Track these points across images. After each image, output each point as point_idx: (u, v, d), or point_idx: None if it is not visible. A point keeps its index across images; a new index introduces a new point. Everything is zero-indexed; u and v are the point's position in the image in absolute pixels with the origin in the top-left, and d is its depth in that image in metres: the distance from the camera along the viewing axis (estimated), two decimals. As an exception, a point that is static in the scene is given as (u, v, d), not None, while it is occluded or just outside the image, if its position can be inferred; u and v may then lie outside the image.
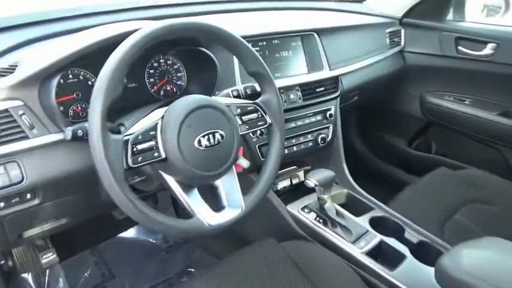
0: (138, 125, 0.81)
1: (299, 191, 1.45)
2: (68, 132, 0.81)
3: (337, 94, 1.52)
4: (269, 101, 1.00)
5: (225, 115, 0.90)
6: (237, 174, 1.21)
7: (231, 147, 0.91)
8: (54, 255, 1.24)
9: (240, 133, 0.95)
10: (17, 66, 0.93)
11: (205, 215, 0.88)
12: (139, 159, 0.79)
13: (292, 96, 1.37)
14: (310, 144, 1.45)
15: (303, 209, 1.33)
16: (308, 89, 1.42)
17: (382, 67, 1.77)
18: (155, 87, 1.22)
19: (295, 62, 1.42)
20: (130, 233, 1.75)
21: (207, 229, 0.87)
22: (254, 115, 0.98)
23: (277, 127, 1.01)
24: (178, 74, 1.26)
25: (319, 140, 1.45)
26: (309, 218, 1.29)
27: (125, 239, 1.74)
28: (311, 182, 1.21)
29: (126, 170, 0.78)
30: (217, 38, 0.92)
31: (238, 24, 1.35)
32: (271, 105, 1.00)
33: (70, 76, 1.04)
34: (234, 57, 1.24)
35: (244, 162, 1.17)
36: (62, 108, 1.01)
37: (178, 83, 1.26)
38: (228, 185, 0.96)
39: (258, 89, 1.09)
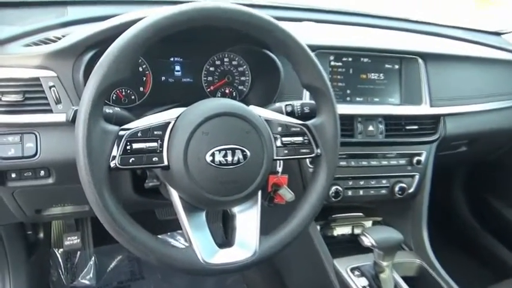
0: (142, 120, 0.67)
1: (357, 244, 1.17)
2: (70, 111, 0.71)
3: (434, 138, 1.20)
4: (323, 125, 0.78)
5: (257, 131, 0.71)
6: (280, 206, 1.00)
7: (256, 173, 0.72)
8: (78, 240, 1.19)
9: (275, 157, 0.75)
10: (63, 37, 0.88)
11: (203, 248, 0.70)
12: (131, 160, 0.65)
13: (371, 128, 1.11)
14: (383, 191, 1.16)
15: (353, 270, 1.06)
16: (395, 124, 1.14)
17: (507, 117, 1.37)
18: (212, 87, 1.09)
19: (385, 88, 1.16)
20: (173, 236, 1.65)
21: (199, 267, 0.69)
22: (298, 139, 0.77)
23: (326, 161, 0.78)
24: (242, 78, 1.11)
25: (396, 189, 1.15)
26: (358, 284, 1.01)
27: (166, 242, 1.65)
28: (367, 240, 0.94)
29: (111, 170, 0.64)
30: (261, 31, 0.73)
31: (320, 33, 1.15)
32: (325, 132, 0.78)
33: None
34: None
35: (287, 194, 0.97)
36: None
37: (240, 87, 1.11)
38: (244, 218, 0.76)
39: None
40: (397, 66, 1.16)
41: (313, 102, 0.88)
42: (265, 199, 0.98)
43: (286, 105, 0.89)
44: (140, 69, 1.01)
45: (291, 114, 0.88)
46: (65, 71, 0.84)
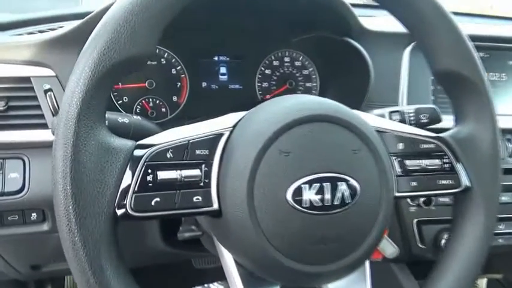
0: (174, 131, 0.39)
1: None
2: (55, 119, 0.43)
3: None
4: (473, 139, 0.47)
5: (372, 150, 0.41)
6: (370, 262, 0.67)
7: (370, 221, 0.41)
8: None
9: (396, 194, 0.44)
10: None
11: None
12: (155, 202, 0.35)
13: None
14: (516, 240, 0.80)
15: None
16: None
17: None
18: (268, 96, 0.80)
19: (509, 94, 0.83)
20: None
21: None
22: (434, 162, 0.45)
23: (482, 198, 0.46)
24: (308, 84, 0.82)
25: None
26: None
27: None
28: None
29: (117, 222, 0.35)
30: None
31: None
32: (477, 150, 0.46)
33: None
34: (403, 61, 0.74)
35: (388, 248, 0.64)
36: (123, 98, 0.69)
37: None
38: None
39: (447, 118, 0.56)
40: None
41: (432, 107, 0.57)
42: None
43: (391, 112, 0.58)
44: (173, 71, 0.75)
45: (400, 125, 0.57)
46: (66, 69, 0.58)
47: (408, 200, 0.74)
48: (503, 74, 0.82)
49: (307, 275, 0.39)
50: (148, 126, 0.49)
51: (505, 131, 0.78)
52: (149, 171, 0.35)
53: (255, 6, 0.69)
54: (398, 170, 0.45)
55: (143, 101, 0.73)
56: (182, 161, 0.37)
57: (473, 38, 0.79)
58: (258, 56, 0.79)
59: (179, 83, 0.75)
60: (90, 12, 0.71)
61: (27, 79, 0.57)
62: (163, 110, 0.74)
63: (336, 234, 0.39)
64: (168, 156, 0.36)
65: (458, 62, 0.45)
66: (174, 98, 0.75)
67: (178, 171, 0.37)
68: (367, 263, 0.47)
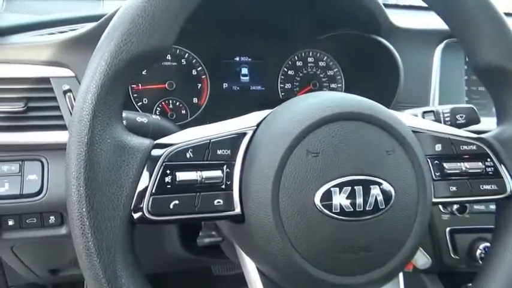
0: (194, 130, 0.36)
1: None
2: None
3: None
4: None
5: (408, 151, 0.37)
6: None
7: (406, 228, 0.37)
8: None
9: (434, 200, 0.40)
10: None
11: None
12: (173, 205, 0.33)
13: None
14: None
15: None
16: None
17: None
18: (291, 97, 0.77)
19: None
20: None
21: None
22: (475, 165, 0.42)
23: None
24: (333, 85, 0.79)
25: None
26: None
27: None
28: None
29: (134, 226, 0.33)
30: None
31: None
32: None
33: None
34: (434, 59, 0.71)
35: (421, 258, 0.61)
36: (143, 100, 0.68)
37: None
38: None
39: (484, 120, 0.52)
40: None
41: (470, 106, 0.53)
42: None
43: (425, 112, 0.54)
44: (194, 72, 0.73)
45: (434, 126, 0.53)
46: (85, 68, 0.57)
47: (440, 207, 0.69)
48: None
49: (336, 287, 0.36)
50: (167, 126, 0.47)
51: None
52: (168, 171, 0.33)
53: (280, 5, 0.67)
54: (436, 173, 0.41)
55: (163, 103, 0.71)
56: (203, 162, 0.34)
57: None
58: (280, 56, 0.77)
59: (200, 84, 0.73)
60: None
61: (46, 80, 0.56)
62: (184, 112, 0.72)
63: (368, 243, 0.36)
64: (188, 156, 0.34)
65: (502, 55, 0.41)
66: (195, 100, 0.73)
67: (199, 172, 0.34)
68: (400, 275, 0.43)
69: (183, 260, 0.71)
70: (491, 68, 0.42)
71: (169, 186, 0.33)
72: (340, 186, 0.35)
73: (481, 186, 0.41)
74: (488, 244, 0.72)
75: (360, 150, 0.36)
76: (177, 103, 0.72)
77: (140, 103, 0.70)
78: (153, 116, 0.46)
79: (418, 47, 0.71)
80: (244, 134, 0.37)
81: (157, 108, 0.71)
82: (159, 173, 0.33)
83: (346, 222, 0.35)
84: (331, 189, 0.34)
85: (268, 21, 0.71)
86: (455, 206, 0.69)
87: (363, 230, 0.35)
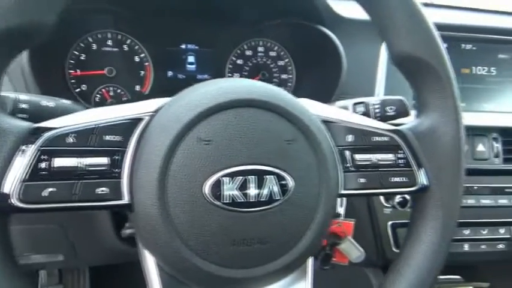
0: (82, 114, 0.35)
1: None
2: None
3: None
4: (433, 132, 0.42)
5: (310, 140, 0.36)
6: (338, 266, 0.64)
7: (305, 221, 0.36)
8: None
9: (342, 191, 0.39)
10: None
11: None
12: (48, 192, 0.31)
13: (481, 148, 0.72)
14: (501, 246, 0.75)
15: None
16: (519, 143, 0.74)
17: None
18: (239, 87, 0.76)
19: (499, 89, 0.77)
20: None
21: None
22: (387, 157, 0.41)
23: (441, 200, 0.41)
24: (284, 76, 0.78)
25: (524, 243, 0.74)
26: None
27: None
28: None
29: (2, 213, 0.31)
30: None
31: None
32: (438, 145, 0.41)
33: (95, 39, 0.67)
34: (381, 50, 0.70)
35: (354, 251, 0.60)
36: (81, 86, 0.66)
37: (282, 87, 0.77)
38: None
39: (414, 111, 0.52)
40: (516, 57, 0.78)
41: (400, 98, 0.52)
42: (317, 257, 0.61)
43: (355, 103, 0.53)
44: (137, 58, 0.71)
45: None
46: None
47: (382, 200, 0.69)
48: (493, 68, 0.76)
49: (230, 281, 0.35)
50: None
51: (492, 130, 0.72)
52: (44, 157, 0.31)
53: None
54: (346, 164, 0.40)
55: (103, 90, 0.69)
56: (86, 148, 0.33)
57: (457, 29, 0.75)
58: (229, 44, 0.75)
59: (143, 72, 0.71)
60: None
61: None
62: (125, 99, 0.71)
63: (262, 235, 0.35)
64: (69, 141, 0.32)
65: (416, 44, 0.40)
66: (137, 88, 0.71)
67: (80, 159, 0.32)
68: (309, 267, 0.42)
69: (123, 253, 0.70)
70: (407, 58, 0.41)
71: (45, 172, 0.31)
72: (232, 175, 0.33)
73: (391, 178, 0.40)
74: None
75: (256, 138, 0.34)
76: (118, 90, 0.70)
77: (78, 89, 0.68)
78: (63, 101, 0.44)
79: (365, 38, 0.70)
80: (140, 119, 0.35)
81: (97, 95, 0.69)
82: (34, 158, 0.31)
83: (237, 213, 0.34)
84: (222, 178, 0.33)
85: (211, 7, 0.69)
86: (396, 200, 0.68)
87: (256, 222, 0.34)
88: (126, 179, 0.34)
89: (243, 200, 0.33)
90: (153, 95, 0.72)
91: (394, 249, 0.70)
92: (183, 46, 0.73)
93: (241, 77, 0.76)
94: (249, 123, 0.35)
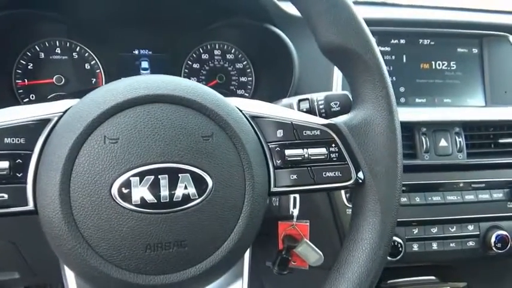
0: None
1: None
2: None
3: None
4: (366, 124, 0.40)
5: (230, 134, 0.34)
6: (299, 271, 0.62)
7: (227, 222, 0.34)
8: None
9: (272, 189, 0.37)
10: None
11: None
12: None
13: (444, 143, 0.71)
14: (471, 244, 0.73)
15: None
16: (482, 136, 0.73)
17: None
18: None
19: (459, 83, 0.76)
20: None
21: None
22: (319, 152, 0.39)
23: (377, 194, 0.39)
24: (243, 79, 0.77)
25: (493, 239, 0.72)
26: None
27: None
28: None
29: None
30: None
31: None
32: (372, 137, 0.40)
33: (43, 47, 0.66)
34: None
35: (312, 254, 0.58)
36: (30, 96, 0.65)
37: (239, 91, 0.76)
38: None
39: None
40: (475, 50, 0.77)
41: (344, 93, 0.51)
42: (275, 263, 0.59)
43: (300, 100, 0.52)
44: (87, 66, 0.69)
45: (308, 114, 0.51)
46: None
47: (344, 200, 0.67)
48: (452, 63, 0.75)
49: None
50: None
51: (454, 124, 0.71)
52: None
53: None
54: (277, 161, 0.38)
55: (53, 99, 0.67)
56: None
57: (415, 24, 0.74)
58: (183, 48, 0.74)
59: (94, 79, 0.70)
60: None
61: None
62: (76, 107, 0.69)
63: (180, 238, 0.32)
64: None
65: (342, 34, 0.38)
66: (89, 95, 0.69)
67: None
68: (245, 271, 0.40)
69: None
70: (335, 49, 0.39)
71: None
72: (141, 175, 0.31)
73: (324, 173, 0.38)
74: (397, 239, 0.70)
75: (169, 135, 0.33)
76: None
77: (27, 99, 0.66)
78: None
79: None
80: (48, 120, 0.34)
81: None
82: None
83: (150, 215, 0.32)
84: (131, 178, 0.31)
85: (161, 11, 0.68)
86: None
87: (172, 224, 0.32)
88: (31, 183, 0.32)
89: (154, 201, 0.31)
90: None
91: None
92: (136, 52, 0.72)
93: (198, 80, 0.75)
94: (160, 120, 0.33)
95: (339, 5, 0.38)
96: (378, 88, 0.39)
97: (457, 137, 0.71)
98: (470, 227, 0.72)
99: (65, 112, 0.34)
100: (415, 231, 0.70)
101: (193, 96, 0.34)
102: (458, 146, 0.70)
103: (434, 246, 0.71)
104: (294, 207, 0.56)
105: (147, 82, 0.34)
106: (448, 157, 0.70)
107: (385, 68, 0.40)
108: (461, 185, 0.71)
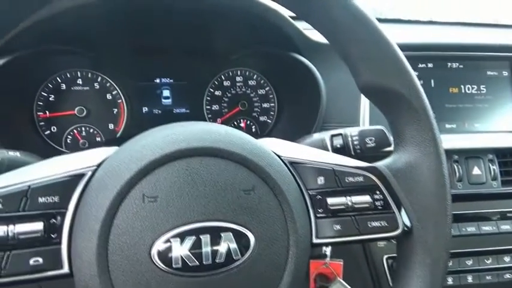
0: (12, 175, 0.31)
1: None
2: None
3: None
4: (413, 169, 0.38)
5: (270, 186, 0.32)
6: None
7: (274, 278, 0.32)
8: None
9: (315, 240, 0.35)
10: None
11: None
12: None
13: (477, 171, 0.68)
14: (508, 276, 0.70)
15: None
16: (515, 163, 0.70)
17: None
18: (219, 120, 0.73)
19: (490, 107, 0.73)
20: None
21: None
22: (362, 199, 0.37)
23: (427, 242, 0.37)
24: (265, 105, 0.75)
25: (532, 272, 0.68)
26: None
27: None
28: None
29: None
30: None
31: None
32: (419, 183, 0.37)
33: (64, 79, 0.65)
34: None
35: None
36: (51, 128, 0.64)
37: (261, 118, 0.75)
38: None
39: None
40: (505, 73, 0.74)
41: (379, 128, 0.49)
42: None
43: (333, 135, 0.50)
44: (109, 96, 0.68)
45: (340, 151, 0.49)
46: None
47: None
48: (482, 86, 0.73)
49: None
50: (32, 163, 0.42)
51: (487, 151, 0.68)
52: None
53: (189, 24, 0.62)
54: (318, 210, 0.36)
55: (74, 131, 0.66)
56: (16, 213, 0.29)
57: (444, 48, 0.72)
58: (205, 76, 0.72)
59: (116, 109, 0.68)
60: None
61: None
62: (98, 139, 0.67)
63: None
64: None
65: (385, 74, 0.37)
66: (111, 126, 0.68)
67: (10, 227, 0.29)
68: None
69: None
70: (376, 88, 0.37)
71: None
72: (182, 235, 0.29)
73: (369, 223, 0.36)
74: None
75: (210, 191, 0.31)
76: (91, 130, 0.67)
77: (48, 132, 0.65)
78: (11, 153, 0.41)
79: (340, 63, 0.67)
80: (82, 175, 0.32)
81: (68, 137, 0.66)
82: None
83: (191, 278, 0.30)
84: (171, 239, 0.29)
85: (183, 42, 0.66)
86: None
87: (215, 286, 0.30)
88: (66, 244, 0.30)
89: (196, 263, 0.29)
90: (128, 132, 0.69)
91: (392, 284, 0.65)
92: (157, 80, 0.71)
93: (220, 108, 0.73)
94: (200, 175, 0.31)
95: (387, 50, 0.36)
96: (423, 130, 0.37)
97: (490, 165, 0.68)
98: (507, 259, 0.69)
99: (99, 165, 0.32)
100: (450, 263, 0.67)
101: (232, 148, 0.32)
102: (492, 173, 0.67)
103: (470, 279, 0.68)
104: (327, 246, 0.54)
105: (185, 133, 0.32)
106: (482, 186, 0.67)
107: (430, 109, 0.37)
108: (496, 214, 0.68)
